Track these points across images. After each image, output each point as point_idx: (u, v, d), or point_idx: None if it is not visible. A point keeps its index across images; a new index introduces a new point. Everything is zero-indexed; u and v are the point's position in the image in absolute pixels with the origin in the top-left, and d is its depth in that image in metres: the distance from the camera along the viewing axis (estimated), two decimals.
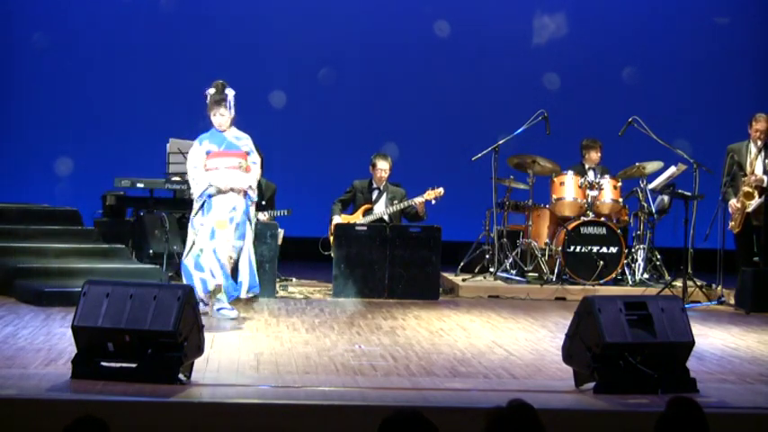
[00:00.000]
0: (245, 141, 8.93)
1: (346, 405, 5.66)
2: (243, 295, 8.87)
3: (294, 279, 11.35)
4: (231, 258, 8.73)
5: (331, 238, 10.72)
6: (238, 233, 8.74)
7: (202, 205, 8.73)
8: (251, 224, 8.89)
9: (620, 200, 11.30)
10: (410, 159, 13.06)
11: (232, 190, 8.70)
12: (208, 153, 8.81)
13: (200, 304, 8.25)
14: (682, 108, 14.20)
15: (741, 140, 10.88)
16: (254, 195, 8.88)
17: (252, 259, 8.87)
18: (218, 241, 8.68)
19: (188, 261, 8.72)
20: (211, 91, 8.86)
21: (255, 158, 8.93)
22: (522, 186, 11.57)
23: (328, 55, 13.92)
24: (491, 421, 3.52)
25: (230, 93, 8.87)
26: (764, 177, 10.67)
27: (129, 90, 13.93)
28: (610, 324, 6.05)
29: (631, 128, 11.29)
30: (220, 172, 8.73)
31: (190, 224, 8.84)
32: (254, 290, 8.93)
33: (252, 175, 8.86)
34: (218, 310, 8.74)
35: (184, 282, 8.61)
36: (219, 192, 8.71)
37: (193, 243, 8.73)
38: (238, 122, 13.72)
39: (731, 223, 10.78)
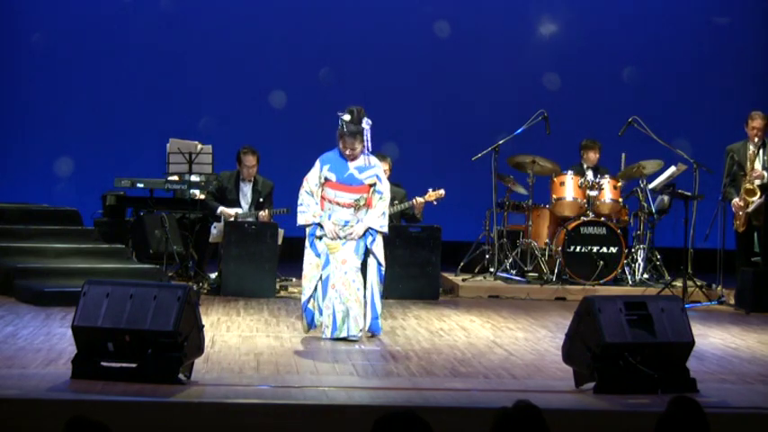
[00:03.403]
0: (370, 172, 7.83)
1: (346, 405, 5.66)
2: (351, 333, 7.78)
3: (294, 279, 11.33)
4: (353, 282, 7.75)
5: None
6: (359, 252, 7.79)
7: (312, 239, 7.86)
8: (374, 257, 7.83)
9: (620, 200, 11.30)
10: (410, 159, 13.06)
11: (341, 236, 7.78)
12: (327, 180, 7.81)
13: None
14: (682, 108, 14.20)
15: (740, 140, 10.89)
16: (379, 229, 7.84)
17: (375, 294, 7.86)
18: (331, 268, 7.80)
19: (311, 304, 7.88)
20: (346, 118, 7.78)
21: (381, 188, 7.85)
22: (521, 190, 11.54)
23: (328, 55, 13.92)
24: (497, 422, 3.52)
25: (367, 125, 7.79)
26: (765, 173, 10.69)
27: (129, 90, 13.93)
28: (610, 324, 6.04)
29: (631, 128, 11.29)
30: (333, 208, 7.79)
31: (306, 261, 7.90)
32: (372, 329, 7.94)
33: (372, 213, 7.81)
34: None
35: (304, 324, 7.94)
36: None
37: (319, 278, 7.83)
38: (240, 122, 13.74)
39: (736, 222, 10.79)
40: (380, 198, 7.86)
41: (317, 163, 7.90)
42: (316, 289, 7.85)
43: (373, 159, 7.93)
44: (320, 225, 7.85)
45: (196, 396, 5.72)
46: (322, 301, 7.85)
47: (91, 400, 5.52)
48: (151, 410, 5.48)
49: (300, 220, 7.90)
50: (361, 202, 7.84)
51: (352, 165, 7.86)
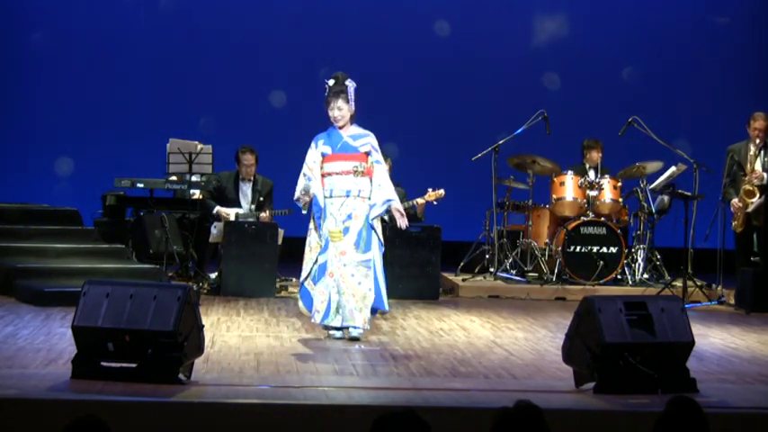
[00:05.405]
0: (364, 140, 7.86)
1: (346, 405, 5.66)
2: (352, 324, 7.78)
3: (294, 279, 11.33)
4: (352, 276, 7.71)
5: None
6: (360, 246, 7.74)
7: (318, 216, 7.81)
8: (376, 233, 7.82)
9: (621, 200, 11.30)
10: (410, 159, 13.06)
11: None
12: (324, 156, 7.84)
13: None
14: (682, 108, 14.21)
15: (741, 141, 10.89)
16: (387, 197, 7.83)
17: (378, 275, 7.82)
18: (329, 255, 7.77)
19: (308, 283, 7.87)
20: (330, 82, 7.91)
21: (378, 158, 7.86)
22: (522, 186, 11.57)
23: (328, 55, 13.92)
24: (497, 422, 3.52)
25: (351, 84, 7.87)
26: (764, 174, 10.69)
27: (129, 90, 13.93)
28: (610, 324, 6.04)
29: (631, 128, 11.30)
30: (333, 182, 7.80)
31: (306, 242, 7.94)
32: (380, 309, 7.97)
33: (386, 186, 7.83)
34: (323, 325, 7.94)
35: (301, 305, 7.97)
36: (333, 196, 7.81)
37: (314, 261, 7.84)
38: (240, 122, 13.74)
39: (734, 223, 10.79)
40: (381, 168, 7.86)
41: (312, 144, 7.94)
42: (311, 271, 7.85)
43: (367, 131, 7.96)
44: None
45: (196, 396, 5.72)
46: (315, 285, 7.83)
47: (91, 400, 5.51)
48: (151, 410, 5.47)
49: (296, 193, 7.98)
50: (360, 169, 7.82)
51: (345, 134, 7.89)
